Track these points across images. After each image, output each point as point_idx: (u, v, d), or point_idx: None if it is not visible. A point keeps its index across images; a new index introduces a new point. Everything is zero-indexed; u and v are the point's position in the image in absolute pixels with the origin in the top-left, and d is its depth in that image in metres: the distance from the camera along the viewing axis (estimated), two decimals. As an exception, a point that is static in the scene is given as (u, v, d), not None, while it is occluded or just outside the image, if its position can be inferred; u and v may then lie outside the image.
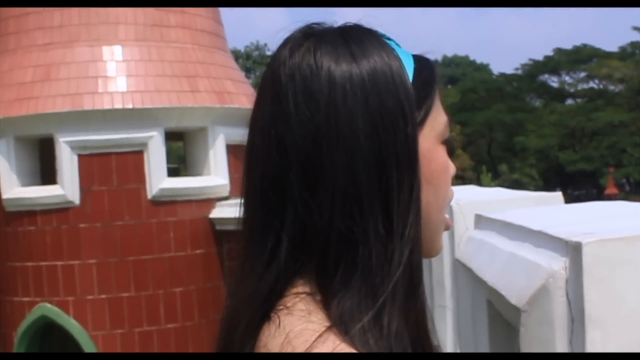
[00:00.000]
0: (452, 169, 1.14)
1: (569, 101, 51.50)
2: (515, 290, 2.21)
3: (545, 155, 46.74)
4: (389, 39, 1.12)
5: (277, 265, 1.02)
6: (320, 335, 0.94)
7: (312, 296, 1.01)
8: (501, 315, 2.79)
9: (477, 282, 2.99)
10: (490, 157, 48.64)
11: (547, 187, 40.00)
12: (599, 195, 40.97)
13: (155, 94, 8.81)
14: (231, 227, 9.04)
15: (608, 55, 47.83)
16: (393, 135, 1.02)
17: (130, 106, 8.68)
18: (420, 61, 1.11)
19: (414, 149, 1.04)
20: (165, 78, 8.94)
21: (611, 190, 37.43)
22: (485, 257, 2.84)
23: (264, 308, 1.02)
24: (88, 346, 8.83)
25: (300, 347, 0.93)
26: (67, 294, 8.88)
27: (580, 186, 48.57)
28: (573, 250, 1.93)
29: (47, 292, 8.96)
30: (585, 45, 49.83)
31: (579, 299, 1.89)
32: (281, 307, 1.01)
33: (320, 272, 1.01)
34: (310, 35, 1.08)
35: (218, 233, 9.26)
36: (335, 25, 1.11)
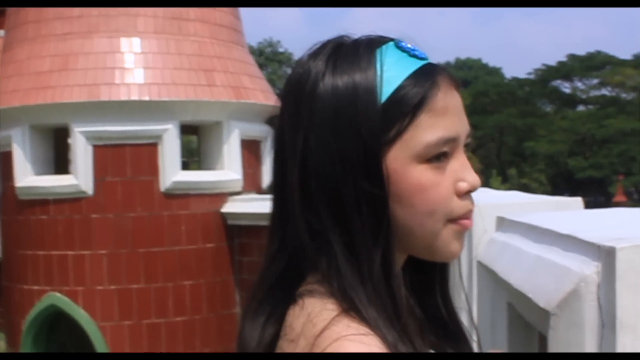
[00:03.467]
0: (465, 182, 1.12)
1: (581, 107, 51.34)
2: (543, 293, 2.20)
3: (555, 161, 46.63)
4: (402, 49, 1.11)
5: (285, 254, 1.12)
6: (337, 315, 1.02)
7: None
8: (522, 318, 2.79)
9: (499, 285, 2.99)
10: (499, 161, 48.56)
11: (555, 192, 39.84)
12: (607, 202, 40.80)
13: (172, 86, 8.81)
14: (243, 222, 9.05)
15: (622, 63, 47.64)
16: (345, 153, 1.05)
17: (146, 98, 8.69)
18: (415, 77, 1.09)
19: (373, 168, 1.06)
20: (182, 71, 8.95)
21: (619, 198, 37.26)
22: (509, 259, 2.83)
23: (278, 292, 1.12)
24: (96, 337, 8.84)
25: (319, 325, 1.01)
26: (77, 284, 8.89)
27: (588, 193, 48.37)
28: (606, 255, 1.92)
29: (57, 281, 8.98)
30: (599, 52, 49.67)
31: (611, 304, 1.88)
32: (305, 290, 1.09)
33: (312, 264, 1.10)
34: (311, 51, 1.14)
35: (229, 227, 9.27)
36: (354, 36, 1.14)
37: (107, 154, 8.83)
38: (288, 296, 1.10)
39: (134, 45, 8.94)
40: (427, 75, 1.10)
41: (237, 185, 9.32)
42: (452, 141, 1.10)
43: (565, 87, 51.83)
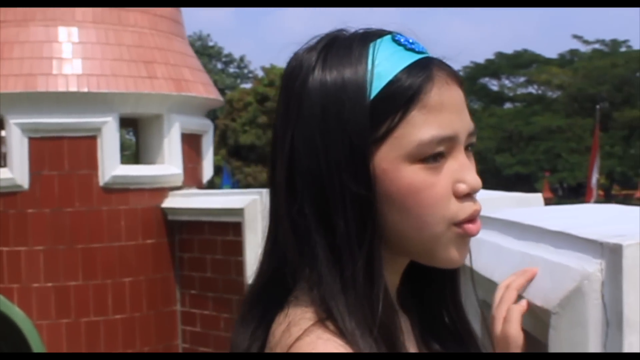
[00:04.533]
0: (464, 184, 1.08)
1: (508, 105, 52.32)
2: (537, 291, 2.16)
3: (483, 157, 47.41)
4: (399, 42, 1.07)
5: (276, 255, 1.09)
6: (312, 324, 1.00)
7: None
8: (500, 315, 2.76)
9: (475, 282, 2.94)
10: (428, 158, 49.14)
11: (484, 189, 40.47)
12: (534, 198, 41.61)
13: (111, 78, 8.61)
14: (184, 218, 8.91)
15: (548, 61, 48.72)
16: (331, 152, 1.01)
17: (85, 90, 8.46)
18: (408, 71, 1.03)
19: (360, 168, 1.01)
20: (122, 62, 8.74)
21: (546, 194, 38.04)
22: (489, 257, 2.78)
23: (268, 297, 1.09)
24: (32, 335, 8.58)
25: (294, 335, 1.00)
26: (12, 281, 8.63)
27: (515, 189, 48.71)
28: (610, 252, 1.88)
29: (-9, 278, 8.70)
30: (525, 51, 50.64)
31: (617, 302, 1.85)
32: (292, 298, 1.06)
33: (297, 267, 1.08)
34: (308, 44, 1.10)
35: (170, 223, 9.11)
36: (352, 30, 1.10)
37: (43, 146, 8.58)
38: (277, 302, 1.07)
39: (72, 35, 8.69)
40: (422, 69, 1.04)
41: (178, 180, 9.16)
42: (448, 140, 1.05)
43: (493, 85, 52.80)
